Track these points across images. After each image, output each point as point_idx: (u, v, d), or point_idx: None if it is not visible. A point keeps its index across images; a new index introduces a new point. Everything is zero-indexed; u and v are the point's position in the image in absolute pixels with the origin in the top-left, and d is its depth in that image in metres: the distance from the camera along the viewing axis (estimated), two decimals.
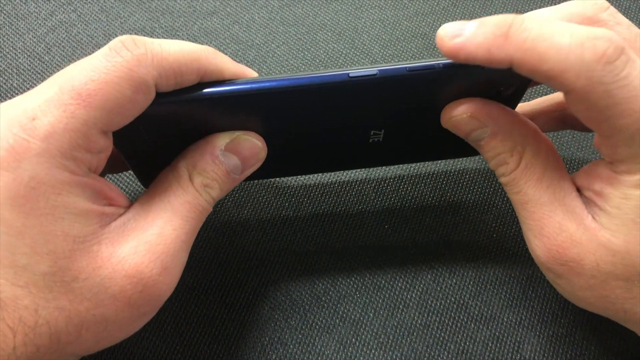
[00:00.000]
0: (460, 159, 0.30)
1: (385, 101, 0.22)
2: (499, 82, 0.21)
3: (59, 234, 0.17)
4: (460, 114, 0.21)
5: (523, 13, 0.30)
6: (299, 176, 0.30)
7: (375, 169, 0.30)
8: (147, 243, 0.19)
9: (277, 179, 0.29)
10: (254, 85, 0.20)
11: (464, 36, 0.18)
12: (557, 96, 0.26)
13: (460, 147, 0.24)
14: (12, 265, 0.17)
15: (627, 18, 0.20)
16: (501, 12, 0.35)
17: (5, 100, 0.31)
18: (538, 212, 0.21)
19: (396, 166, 0.30)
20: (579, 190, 0.21)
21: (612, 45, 0.17)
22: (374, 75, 0.20)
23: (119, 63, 0.18)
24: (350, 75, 0.20)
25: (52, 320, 0.18)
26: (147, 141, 0.21)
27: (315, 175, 0.30)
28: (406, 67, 0.20)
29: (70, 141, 0.17)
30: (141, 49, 0.18)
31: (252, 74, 0.21)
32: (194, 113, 0.20)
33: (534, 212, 0.21)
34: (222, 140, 0.21)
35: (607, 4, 0.19)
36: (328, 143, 0.24)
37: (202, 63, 0.19)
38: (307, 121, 0.22)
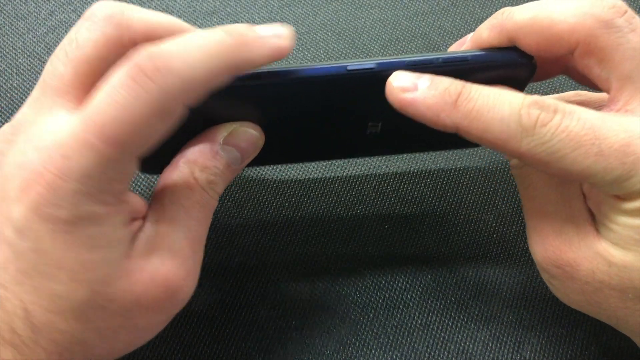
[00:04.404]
0: (461, 159, 0.30)
1: (383, 94, 0.21)
2: (499, 79, 0.21)
3: (97, 262, 0.18)
4: None
5: None
6: (298, 175, 0.30)
7: (375, 167, 0.30)
8: (171, 251, 0.19)
9: (276, 178, 0.29)
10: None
11: (415, 94, 0.19)
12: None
13: (458, 138, 0.24)
14: (50, 294, 0.17)
15: None
16: None
17: (5, 100, 0.31)
18: (543, 209, 0.21)
19: (396, 165, 0.30)
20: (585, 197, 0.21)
21: (544, 111, 0.18)
22: (372, 68, 0.20)
23: (144, 98, 0.17)
24: (348, 68, 0.20)
25: (88, 340, 0.18)
26: None
27: (315, 174, 0.30)
28: (405, 61, 0.20)
29: (105, 178, 0.17)
30: (166, 76, 0.17)
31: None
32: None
33: (539, 209, 0.21)
34: (220, 134, 0.21)
35: (625, 6, 0.19)
36: (325, 132, 0.24)
37: (231, 65, 0.18)
38: (303, 111, 0.22)
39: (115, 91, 0.17)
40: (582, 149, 0.17)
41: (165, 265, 0.19)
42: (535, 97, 0.18)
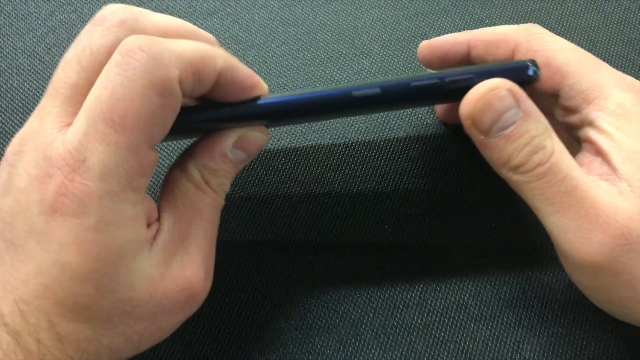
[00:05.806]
0: (460, 158, 0.30)
1: (384, 108, 0.23)
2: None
3: (122, 272, 0.18)
4: (497, 88, 0.19)
5: (522, 13, 0.30)
6: (298, 175, 0.30)
7: (375, 167, 0.30)
8: (190, 255, 0.20)
9: (276, 178, 0.29)
10: (263, 102, 0.21)
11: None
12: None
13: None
14: (74, 305, 0.17)
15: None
16: (501, 12, 0.35)
17: (5, 100, 0.31)
18: (589, 196, 0.18)
19: (396, 165, 0.30)
20: None
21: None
22: (377, 93, 0.21)
23: (137, 69, 0.17)
24: (354, 94, 0.21)
25: (114, 346, 0.18)
26: None
27: (315, 174, 0.30)
28: (410, 83, 0.20)
29: (126, 173, 0.17)
30: (154, 46, 0.17)
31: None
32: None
33: (585, 198, 0.18)
34: (229, 139, 0.21)
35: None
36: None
37: (219, 63, 0.19)
38: (305, 121, 0.24)
39: (108, 74, 0.17)
40: None
41: (186, 269, 0.19)
42: None
